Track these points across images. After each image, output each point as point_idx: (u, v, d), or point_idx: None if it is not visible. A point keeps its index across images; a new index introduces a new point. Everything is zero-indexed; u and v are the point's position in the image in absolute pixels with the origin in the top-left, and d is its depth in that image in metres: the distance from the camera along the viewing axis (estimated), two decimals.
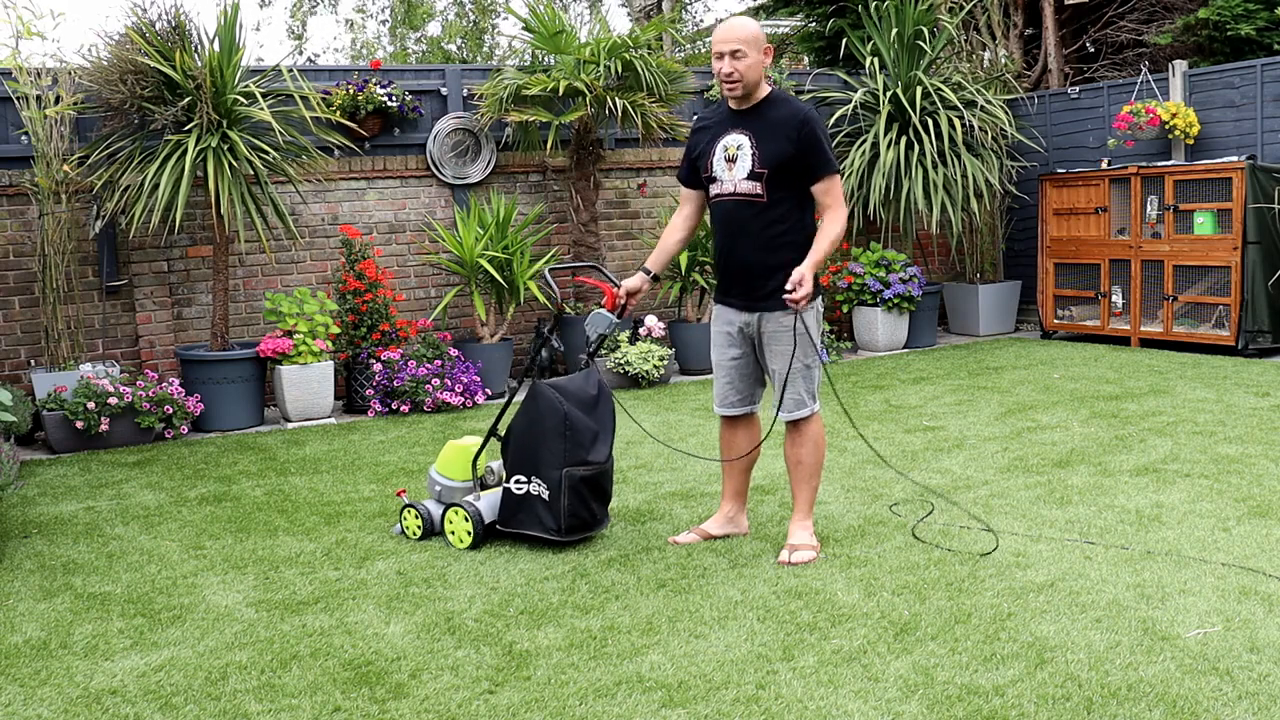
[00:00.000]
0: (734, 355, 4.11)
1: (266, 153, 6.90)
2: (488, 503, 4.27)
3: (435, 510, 4.36)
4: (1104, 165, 8.86)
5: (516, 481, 4.17)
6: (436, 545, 4.30)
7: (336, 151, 7.77)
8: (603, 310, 4.13)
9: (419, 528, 4.36)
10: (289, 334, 7.01)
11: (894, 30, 8.95)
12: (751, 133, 3.88)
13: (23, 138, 6.91)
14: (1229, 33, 9.36)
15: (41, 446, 6.66)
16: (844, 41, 9.62)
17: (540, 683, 3.05)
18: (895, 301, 8.89)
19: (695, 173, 4.07)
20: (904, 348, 9.14)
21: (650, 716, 2.83)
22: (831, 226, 3.85)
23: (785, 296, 3.74)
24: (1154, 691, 2.83)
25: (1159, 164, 8.45)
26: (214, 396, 6.85)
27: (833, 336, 8.81)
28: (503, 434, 4.31)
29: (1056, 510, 4.41)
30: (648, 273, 4.15)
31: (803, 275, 3.72)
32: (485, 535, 4.23)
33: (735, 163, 3.89)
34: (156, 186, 6.56)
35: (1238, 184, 7.79)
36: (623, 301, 4.14)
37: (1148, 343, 8.51)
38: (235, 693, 3.07)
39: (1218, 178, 7.94)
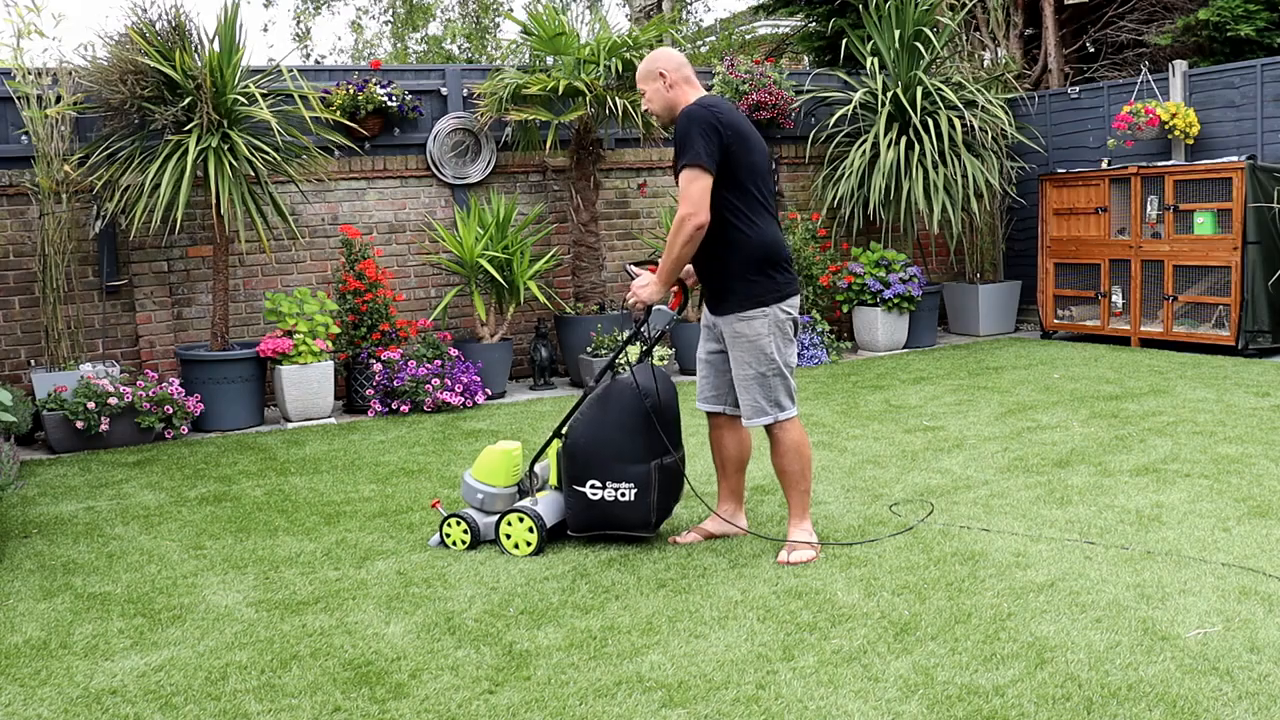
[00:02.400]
0: (710, 350, 4.18)
1: (267, 153, 6.90)
2: (548, 506, 4.16)
3: (482, 519, 4.21)
4: (1104, 165, 8.86)
5: (592, 486, 4.04)
6: (436, 545, 4.30)
7: (336, 151, 7.77)
8: (665, 307, 4.07)
9: (465, 536, 4.20)
10: (289, 334, 7.02)
11: (894, 30, 8.95)
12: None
13: (23, 138, 6.91)
14: (1229, 33, 9.36)
15: (41, 446, 6.66)
16: (844, 41, 9.62)
17: (540, 683, 3.05)
18: (895, 301, 8.89)
19: None
20: (904, 348, 9.14)
21: (650, 716, 2.83)
22: (671, 234, 3.81)
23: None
24: (1154, 691, 2.83)
25: (1159, 164, 8.45)
26: (214, 396, 6.86)
27: (833, 336, 8.81)
28: (564, 435, 4.17)
29: (1056, 510, 4.41)
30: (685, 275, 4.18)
31: (634, 290, 3.89)
32: (549, 539, 4.14)
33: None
34: (157, 186, 6.56)
35: (1238, 184, 7.79)
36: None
37: (1148, 343, 8.51)
38: (235, 693, 3.07)
39: (1218, 178, 7.94)
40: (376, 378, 7.12)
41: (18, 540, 4.63)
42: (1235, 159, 7.91)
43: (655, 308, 4.03)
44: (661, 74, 3.92)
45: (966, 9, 9.61)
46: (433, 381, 7.13)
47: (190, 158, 6.53)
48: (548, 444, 4.30)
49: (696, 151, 3.73)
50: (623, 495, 4.03)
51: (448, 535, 4.24)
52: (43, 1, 6.85)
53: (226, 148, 6.73)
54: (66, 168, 6.74)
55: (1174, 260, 8.23)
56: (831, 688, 2.94)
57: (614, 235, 8.88)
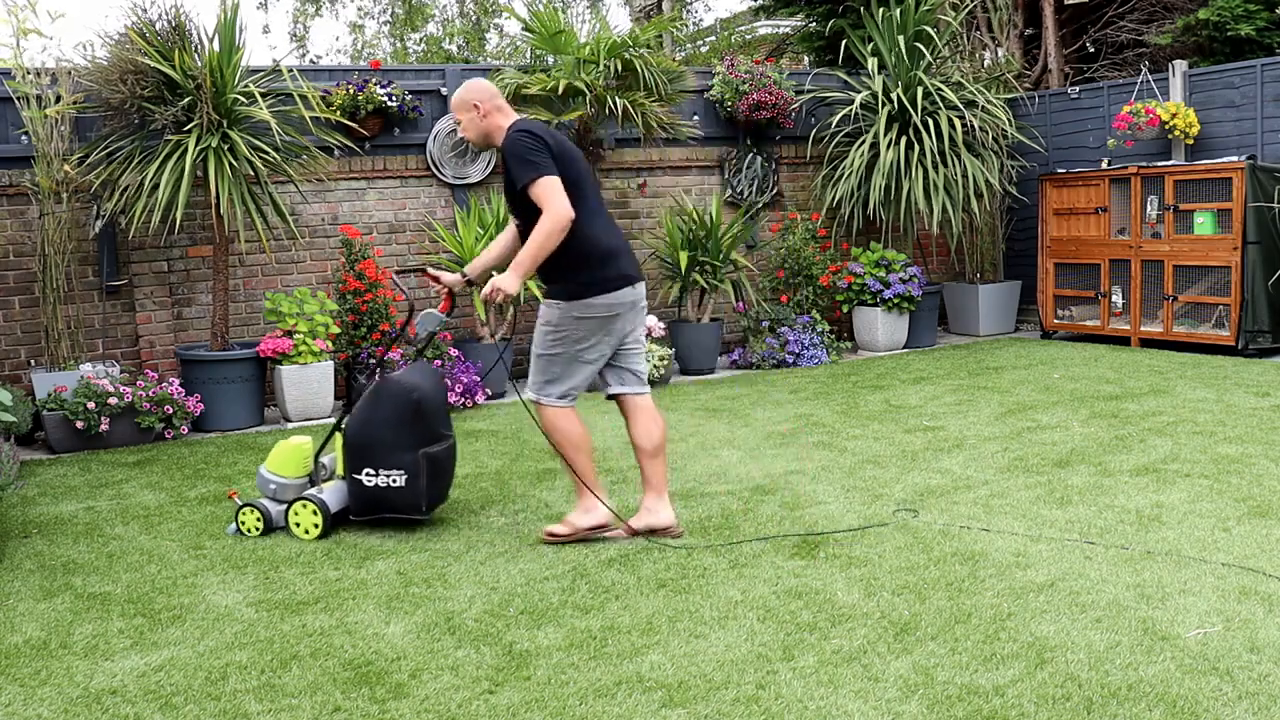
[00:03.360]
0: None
1: (267, 153, 6.90)
2: (332, 493, 4.52)
3: (274, 507, 4.55)
4: (1104, 165, 8.86)
5: (367, 474, 4.43)
6: (436, 545, 4.30)
7: (336, 151, 7.77)
8: (435, 311, 4.46)
9: (259, 524, 4.52)
10: (289, 334, 7.01)
11: (895, 30, 8.95)
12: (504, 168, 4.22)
13: (23, 137, 6.91)
14: (1229, 33, 9.36)
15: (41, 446, 6.66)
16: (844, 42, 9.62)
17: (540, 683, 3.05)
18: (895, 301, 8.89)
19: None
20: (904, 348, 9.14)
21: (650, 716, 2.83)
22: (535, 231, 4.03)
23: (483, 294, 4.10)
24: (1154, 691, 2.83)
25: (1159, 164, 8.45)
26: (214, 396, 6.85)
27: (833, 336, 8.81)
28: (344, 429, 4.55)
29: (1056, 510, 4.41)
30: (464, 275, 4.46)
31: (494, 284, 4.08)
32: (333, 525, 4.50)
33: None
34: (156, 186, 6.56)
35: (1238, 184, 7.79)
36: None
37: (1148, 343, 8.51)
38: (235, 693, 3.07)
39: (1218, 178, 7.94)
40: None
41: (18, 540, 4.63)
42: (1235, 159, 7.91)
43: (424, 311, 4.46)
44: (475, 105, 4.28)
45: (968, 9, 9.61)
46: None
47: (190, 157, 6.53)
48: (329, 438, 4.64)
49: (537, 164, 4.05)
50: (394, 481, 4.42)
51: (243, 523, 4.55)
52: (42, 1, 6.82)
53: (226, 148, 6.73)
54: (66, 167, 6.74)
55: (1174, 260, 8.23)
56: (831, 688, 2.94)
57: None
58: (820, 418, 6.44)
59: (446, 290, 4.53)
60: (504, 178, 4.21)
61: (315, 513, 4.44)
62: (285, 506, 4.53)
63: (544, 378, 4.26)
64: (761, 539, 4.20)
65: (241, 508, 4.55)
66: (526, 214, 4.14)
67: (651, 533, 4.30)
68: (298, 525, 4.47)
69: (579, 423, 4.29)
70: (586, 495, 4.28)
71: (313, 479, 4.61)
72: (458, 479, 5.36)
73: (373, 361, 4.77)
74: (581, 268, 4.15)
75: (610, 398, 4.38)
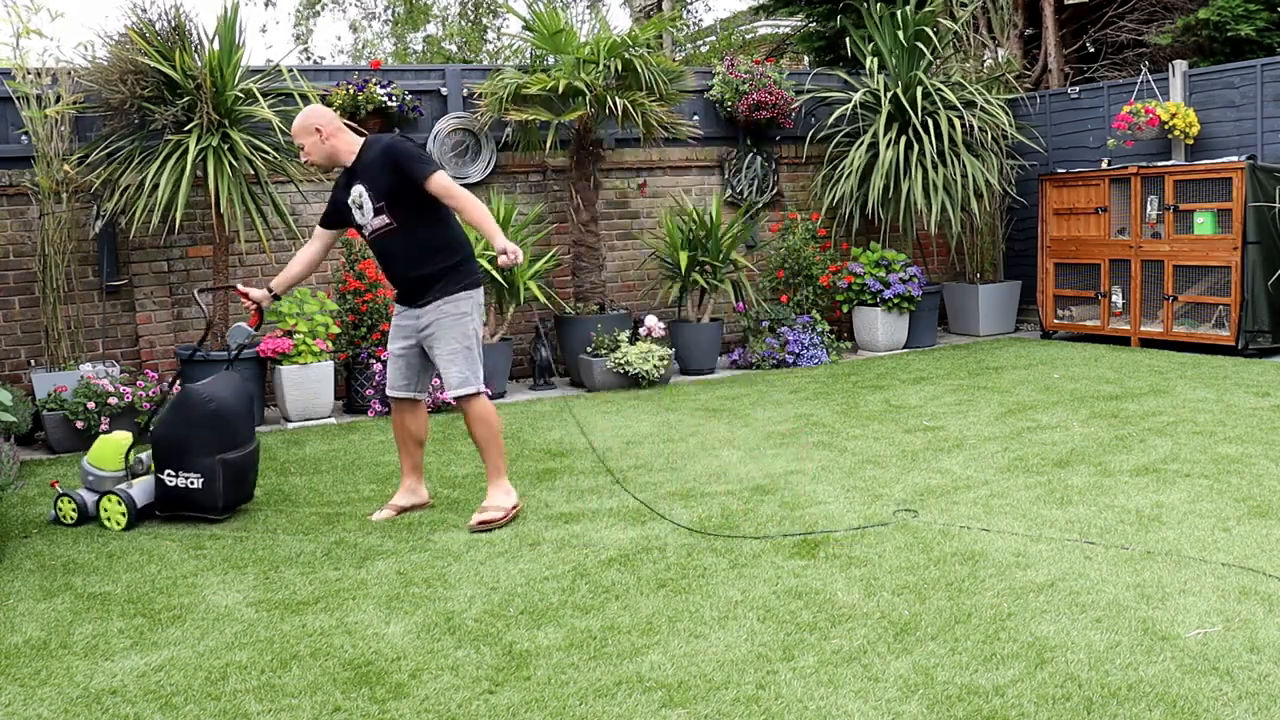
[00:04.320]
0: (403, 346, 4.69)
1: (267, 152, 6.90)
2: (141, 489, 4.79)
3: (89, 497, 4.81)
4: (1104, 165, 8.86)
5: (168, 474, 4.73)
6: (436, 545, 4.31)
7: None
8: (244, 324, 4.85)
9: (74, 513, 4.78)
10: (289, 334, 7.01)
11: (895, 30, 8.95)
12: (363, 181, 4.53)
13: (23, 138, 6.91)
14: (1229, 33, 9.37)
15: (41, 446, 6.66)
16: (844, 41, 9.62)
17: (540, 683, 3.05)
18: (895, 301, 8.89)
19: (335, 219, 4.74)
20: (904, 348, 9.14)
21: (650, 716, 2.83)
22: (474, 209, 4.44)
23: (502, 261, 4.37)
24: (1154, 691, 2.83)
25: (1159, 164, 8.45)
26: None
27: (832, 336, 8.81)
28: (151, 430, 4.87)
29: (1056, 510, 4.41)
30: (270, 290, 4.76)
31: (512, 251, 4.38)
32: (139, 518, 4.75)
33: (362, 208, 4.55)
34: (156, 186, 6.56)
35: (1238, 184, 7.79)
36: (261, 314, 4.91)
37: (1148, 343, 8.51)
38: (235, 693, 3.07)
39: (1218, 178, 7.94)
40: (377, 378, 7.12)
41: (18, 540, 4.63)
42: (1235, 159, 7.91)
43: (236, 325, 4.88)
44: (318, 129, 4.51)
45: (969, 9, 9.62)
46: (433, 382, 7.12)
47: (190, 157, 6.53)
48: (140, 435, 5.02)
49: (431, 161, 4.49)
50: (192, 483, 4.71)
51: (60, 511, 4.81)
52: (41, 1, 6.82)
53: (226, 147, 6.73)
54: (66, 167, 6.74)
55: (1174, 260, 8.23)
56: (831, 688, 2.94)
57: (614, 235, 8.88)
58: (820, 418, 6.44)
59: (255, 305, 4.81)
60: (388, 180, 4.46)
61: (121, 505, 4.71)
62: (98, 497, 4.79)
63: (469, 366, 4.58)
64: (761, 538, 4.20)
65: (60, 496, 4.80)
66: (415, 212, 4.49)
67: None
68: (107, 516, 4.74)
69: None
70: (504, 477, 4.69)
71: (132, 473, 4.87)
72: (458, 479, 5.36)
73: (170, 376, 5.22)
74: (471, 258, 4.66)
75: (407, 399, 4.76)
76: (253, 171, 6.89)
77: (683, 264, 8.16)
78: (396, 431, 4.83)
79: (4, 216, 7.07)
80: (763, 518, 4.48)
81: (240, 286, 4.81)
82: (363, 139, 4.60)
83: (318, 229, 4.80)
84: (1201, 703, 2.76)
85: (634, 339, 8.15)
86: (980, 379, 7.47)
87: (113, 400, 6.36)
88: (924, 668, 3.02)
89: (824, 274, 8.78)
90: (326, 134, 4.52)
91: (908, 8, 8.89)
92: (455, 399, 4.59)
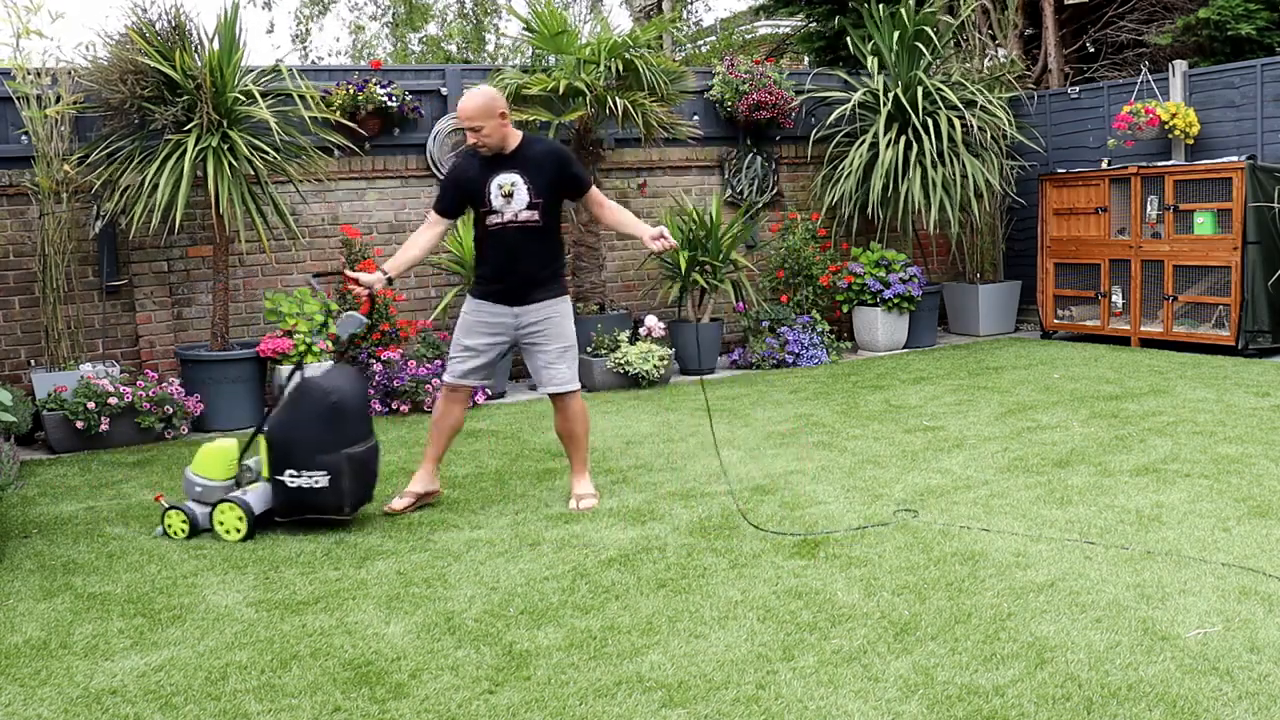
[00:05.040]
0: (488, 342, 4.82)
1: (267, 152, 6.90)
2: (258, 496, 4.54)
3: (199, 509, 4.57)
4: (1104, 165, 8.86)
5: (289, 475, 4.47)
6: (436, 545, 4.31)
7: (336, 151, 7.77)
8: (355, 313, 4.70)
9: (185, 527, 4.54)
10: (289, 334, 7.01)
11: (895, 30, 8.95)
12: (522, 172, 4.66)
13: (23, 138, 6.91)
14: (1229, 32, 9.37)
15: (41, 446, 6.66)
16: (844, 41, 9.62)
17: (540, 683, 3.05)
18: (895, 301, 8.89)
19: (459, 206, 4.80)
20: (904, 348, 9.14)
21: (650, 716, 2.83)
22: (624, 213, 4.84)
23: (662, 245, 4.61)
24: (1154, 691, 2.83)
25: (1159, 164, 8.45)
26: (214, 396, 6.85)
27: (832, 336, 8.81)
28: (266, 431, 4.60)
29: (1056, 510, 4.41)
30: (384, 273, 4.74)
31: (666, 236, 4.63)
32: (257, 525, 4.52)
33: (512, 196, 4.63)
34: (156, 186, 6.56)
35: (1238, 184, 7.79)
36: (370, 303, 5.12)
37: (1148, 343, 8.51)
38: (235, 693, 3.07)
39: (1218, 178, 7.94)
40: (376, 378, 7.12)
41: (18, 540, 4.63)
42: (1235, 159, 7.91)
43: (348, 313, 4.75)
44: (502, 113, 4.59)
45: (970, 9, 9.62)
46: (433, 381, 7.13)
47: (190, 157, 6.53)
48: (251, 440, 4.68)
49: (588, 173, 4.82)
50: (316, 483, 4.46)
51: (169, 526, 4.57)
52: (41, 0, 6.81)
53: (226, 148, 6.73)
54: (66, 168, 6.73)
55: (1174, 260, 8.23)
56: (831, 688, 2.94)
57: (614, 235, 8.88)
58: (820, 418, 6.43)
59: (367, 293, 4.81)
60: (551, 179, 4.64)
61: (240, 516, 4.46)
62: (210, 508, 4.54)
63: (574, 364, 4.79)
64: (762, 533, 4.20)
65: (168, 510, 4.58)
66: (556, 215, 4.74)
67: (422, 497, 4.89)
68: (222, 526, 4.50)
69: None
70: (588, 470, 4.92)
71: (238, 481, 4.63)
72: (458, 479, 5.36)
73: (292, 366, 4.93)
74: (565, 270, 4.92)
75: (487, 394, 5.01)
76: (253, 171, 6.89)
77: (683, 264, 8.16)
78: (441, 419, 4.88)
79: (4, 216, 7.07)
80: (763, 518, 4.48)
81: (349, 274, 4.77)
82: (520, 132, 4.74)
83: (433, 215, 4.79)
84: (1201, 703, 2.76)
85: (634, 339, 8.15)
86: (980, 379, 7.47)
87: (113, 400, 6.36)
88: (924, 668, 3.02)
89: (824, 274, 8.78)
90: (507, 119, 4.63)
91: (907, 5, 8.88)
92: (556, 394, 4.76)
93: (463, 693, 3.01)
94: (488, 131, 4.56)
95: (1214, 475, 4.79)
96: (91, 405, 6.31)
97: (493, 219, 4.66)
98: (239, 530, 4.47)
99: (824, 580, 3.72)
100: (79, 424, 6.31)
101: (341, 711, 2.94)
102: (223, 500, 4.50)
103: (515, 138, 4.68)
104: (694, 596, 3.64)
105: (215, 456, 4.61)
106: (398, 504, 4.78)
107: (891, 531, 4.22)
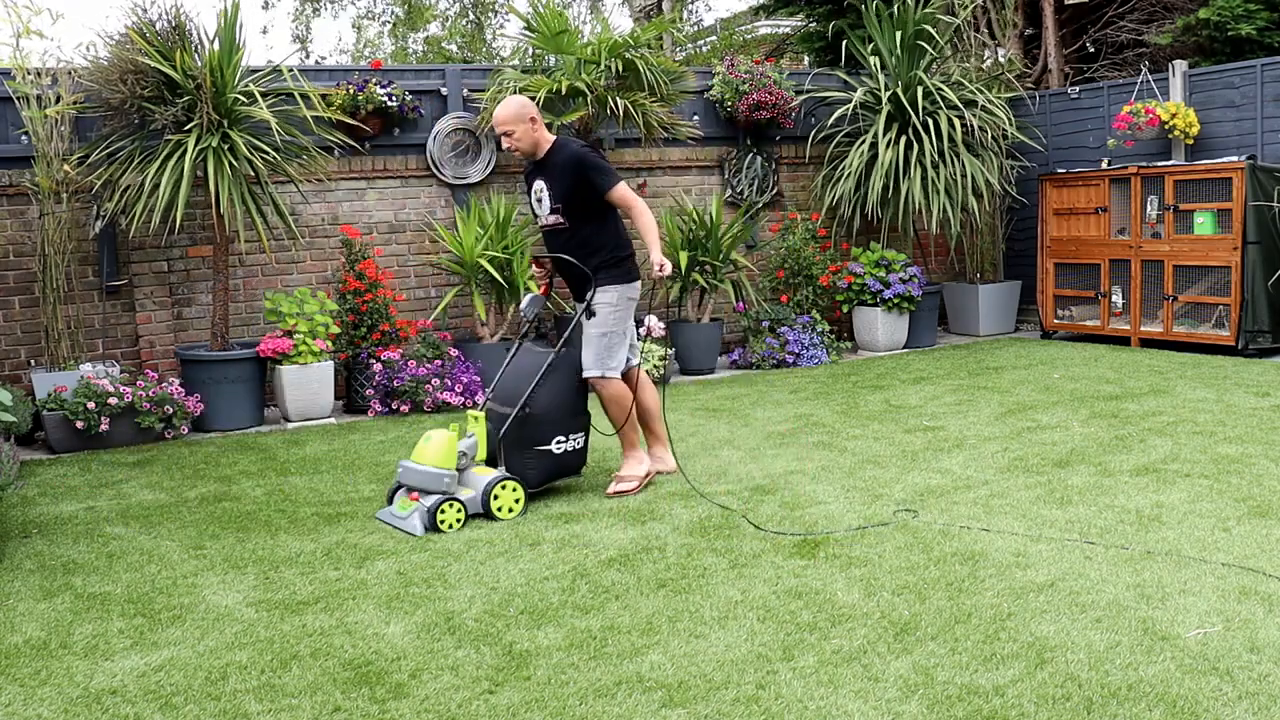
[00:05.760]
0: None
1: (267, 152, 6.90)
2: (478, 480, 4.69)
3: (465, 496, 4.60)
4: (1104, 165, 8.86)
5: (557, 442, 4.80)
6: (435, 545, 4.30)
7: (337, 151, 7.77)
8: (538, 294, 5.07)
9: (460, 518, 4.53)
10: (289, 334, 7.01)
11: (895, 30, 8.95)
12: (546, 179, 4.91)
13: (23, 138, 6.91)
14: (1229, 33, 9.36)
15: (41, 446, 6.66)
16: (844, 42, 9.62)
17: (540, 683, 3.05)
18: (895, 301, 8.89)
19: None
20: (904, 348, 9.14)
21: (650, 716, 2.83)
22: (645, 221, 4.90)
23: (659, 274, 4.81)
24: (1154, 691, 2.83)
25: (1159, 164, 8.45)
26: (214, 396, 6.85)
27: (833, 336, 8.81)
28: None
29: (1056, 510, 4.41)
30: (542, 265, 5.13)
31: (664, 265, 4.81)
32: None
33: (541, 202, 4.95)
34: (156, 186, 6.56)
35: (1238, 184, 7.79)
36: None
37: (1148, 343, 8.51)
38: (235, 693, 3.07)
39: (1218, 178, 7.94)
40: (376, 378, 7.12)
41: (18, 540, 4.63)
42: (1235, 159, 7.91)
43: (532, 295, 5.10)
44: (532, 118, 4.82)
45: (969, 8, 9.62)
46: (433, 381, 7.13)
47: (190, 157, 6.53)
48: (512, 418, 4.74)
49: (614, 173, 4.88)
50: (577, 444, 4.88)
51: (443, 519, 4.50)
52: (41, 1, 6.82)
53: (226, 148, 6.73)
54: (66, 168, 6.74)
55: (1174, 260, 8.23)
56: (831, 688, 2.94)
57: None
58: (820, 418, 6.43)
59: (546, 275, 5.14)
60: (569, 185, 4.82)
61: (516, 490, 4.63)
62: (485, 491, 4.58)
63: (607, 354, 4.92)
64: (762, 533, 4.20)
65: (444, 501, 4.49)
66: (585, 216, 4.87)
67: (659, 474, 5.19)
68: (500, 508, 4.60)
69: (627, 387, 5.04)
70: (637, 449, 5.07)
71: (462, 467, 4.72)
72: None
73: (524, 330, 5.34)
74: (629, 257, 4.98)
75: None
76: (253, 171, 6.89)
77: (683, 264, 8.16)
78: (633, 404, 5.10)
79: (4, 216, 7.07)
80: (763, 517, 4.48)
81: (539, 256, 5.13)
82: (554, 138, 4.93)
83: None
84: (1201, 703, 2.76)
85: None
86: (980, 379, 7.47)
87: (113, 400, 6.36)
88: (924, 668, 3.02)
89: (824, 274, 8.78)
90: (538, 124, 4.84)
91: (907, 5, 8.88)
92: (589, 379, 4.93)
93: (463, 693, 3.01)
94: (518, 135, 4.80)
95: (1214, 475, 4.79)
96: (91, 405, 6.31)
97: (539, 223, 5.06)
98: (517, 506, 4.63)
99: (824, 580, 3.72)
100: (79, 424, 6.31)
101: (341, 711, 2.94)
102: (505, 477, 4.61)
103: (547, 143, 4.90)
104: (694, 596, 3.64)
105: (448, 446, 4.62)
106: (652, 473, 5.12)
107: (891, 531, 4.22)
